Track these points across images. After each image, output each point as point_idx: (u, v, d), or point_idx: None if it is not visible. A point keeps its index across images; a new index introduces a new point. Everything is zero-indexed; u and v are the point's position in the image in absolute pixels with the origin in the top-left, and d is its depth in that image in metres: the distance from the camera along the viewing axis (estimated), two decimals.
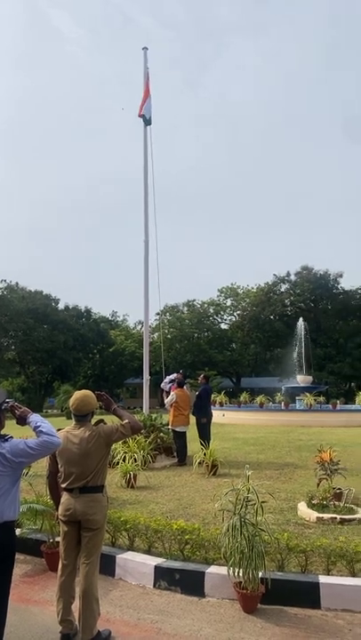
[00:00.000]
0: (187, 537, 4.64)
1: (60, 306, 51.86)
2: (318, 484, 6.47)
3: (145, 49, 12.42)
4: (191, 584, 4.32)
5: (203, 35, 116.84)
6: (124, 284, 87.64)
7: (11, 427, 3.22)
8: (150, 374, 12.06)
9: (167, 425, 10.54)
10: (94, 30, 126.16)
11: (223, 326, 55.37)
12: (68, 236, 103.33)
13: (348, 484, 6.71)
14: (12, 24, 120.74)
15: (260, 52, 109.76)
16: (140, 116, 12.00)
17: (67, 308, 52.69)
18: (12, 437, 2.96)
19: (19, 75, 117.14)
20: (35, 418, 3.00)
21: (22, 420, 3.00)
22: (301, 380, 26.54)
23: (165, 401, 10.70)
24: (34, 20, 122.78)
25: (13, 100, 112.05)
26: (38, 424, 2.94)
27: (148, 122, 12.04)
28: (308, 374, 27.90)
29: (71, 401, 3.77)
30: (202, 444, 9.36)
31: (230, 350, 52.91)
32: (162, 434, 10.47)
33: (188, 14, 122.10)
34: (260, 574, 3.95)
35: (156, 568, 4.50)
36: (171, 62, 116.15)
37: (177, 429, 10.13)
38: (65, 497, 3.66)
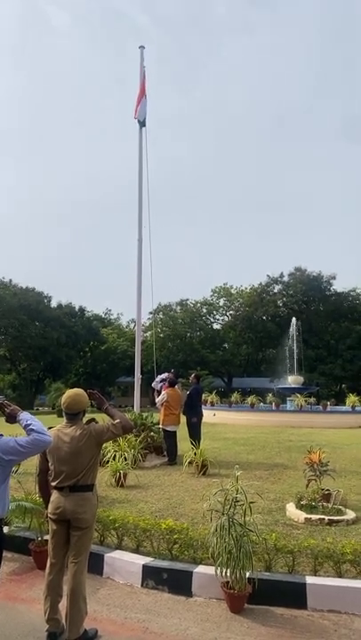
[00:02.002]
0: (175, 536, 4.66)
1: (54, 303, 51.79)
2: (307, 485, 6.51)
3: (142, 48, 12.39)
4: (179, 583, 4.33)
5: (197, 33, 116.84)
6: (118, 282, 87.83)
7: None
8: (142, 373, 12.05)
9: (158, 424, 10.54)
10: (89, 27, 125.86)
11: (216, 326, 55.51)
12: (64, 235, 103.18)
13: (337, 485, 6.76)
14: (11, 22, 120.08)
15: (255, 51, 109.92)
16: (135, 118, 11.99)
17: (60, 305, 52.54)
18: (1, 435, 2.95)
19: (18, 75, 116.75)
20: (25, 416, 2.99)
21: (12, 419, 2.99)
22: (293, 380, 26.63)
23: (156, 400, 10.70)
24: (32, 18, 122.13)
25: (13, 99, 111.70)
26: (29, 422, 2.94)
27: (142, 124, 12.04)
28: (299, 375, 28.00)
29: (63, 399, 3.76)
30: (192, 443, 9.37)
31: (222, 350, 53.01)
32: (152, 433, 10.47)
33: (183, 13, 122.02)
34: (248, 574, 3.97)
35: (144, 567, 4.51)
36: (164, 60, 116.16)
37: (167, 429, 10.13)
38: (55, 495, 3.65)
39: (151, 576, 4.46)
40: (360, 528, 5.53)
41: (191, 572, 4.33)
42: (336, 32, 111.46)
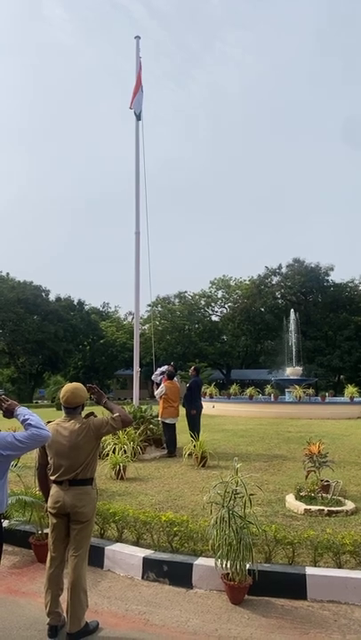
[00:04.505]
0: (175, 529, 4.67)
1: (52, 297, 51.70)
2: (306, 477, 6.53)
3: (137, 38, 12.26)
4: (179, 575, 4.34)
5: (193, 27, 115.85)
6: (117, 275, 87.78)
7: None
8: (141, 366, 12.05)
9: (157, 416, 10.56)
10: (84, 20, 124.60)
11: (214, 318, 55.50)
12: (64, 230, 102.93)
13: (336, 476, 6.78)
14: (7, 20, 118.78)
15: (252, 46, 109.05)
16: (131, 108, 11.90)
17: (59, 299, 52.45)
18: None
19: (17, 72, 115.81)
20: (22, 411, 2.97)
21: (9, 413, 2.97)
22: (291, 372, 26.64)
23: (155, 393, 10.71)
24: (28, 14, 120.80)
25: (13, 97, 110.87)
26: (26, 417, 2.92)
27: (138, 117, 11.95)
28: (297, 367, 28.02)
29: (61, 393, 3.76)
30: (191, 435, 9.39)
31: (221, 342, 53.05)
32: (152, 425, 10.48)
33: (178, 5, 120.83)
34: (248, 566, 3.98)
35: (145, 559, 4.52)
36: (160, 53, 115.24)
37: (166, 421, 10.15)
38: (54, 489, 3.65)
39: (152, 568, 4.47)
40: (359, 519, 5.54)
41: (191, 564, 4.35)
42: (336, 26, 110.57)
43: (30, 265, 79.96)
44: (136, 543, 4.88)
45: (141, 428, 9.76)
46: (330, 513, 5.68)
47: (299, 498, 6.09)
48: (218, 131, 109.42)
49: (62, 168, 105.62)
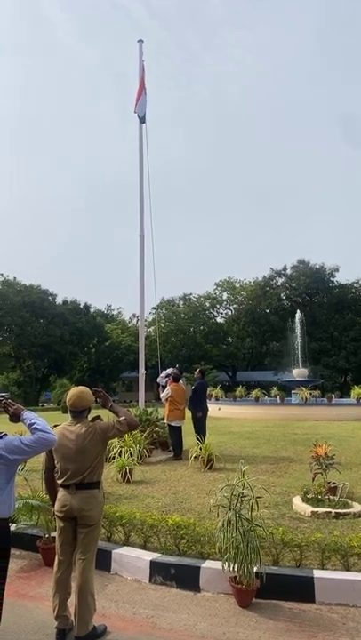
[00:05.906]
0: (182, 532, 4.66)
1: (59, 300, 51.83)
2: (313, 479, 6.50)
3: (140, 41, 12.27)
4: (187, 579, 4.34)
5: (193, 27, 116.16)
6: (118, 276, 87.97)
7: (3, 423, 3.21)
8: (146, 368, 12.03)
9: (163, 419, 10.55)
10: (84, 18, 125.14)
11: (219, 320, 55.46)
12: (63, 229, 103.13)
13: (343, 478, 6.75)
14: (9, 19, 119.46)
15: (252, 46, 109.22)
16: (135, 112, 11.92)
17: (65, 302, 52.58)
18: (6, 434, 2.94)
19: (17, 71, 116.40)
20: (29, 415, 2.98)
21: (16, 417, 2.98)
22: (297, 373, 26.54)
23: (161, 395, 10.71)
24: (29, 13, 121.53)
25: (12, 96, 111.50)
26: (33, 421, 2.93)
27: (142, 120, 11.96)
28: (303, 368, 27.92)
29: (68, 397, 3.77)
30: (197, 438, 9.38)
31: (226, 344, 52.99)
32: (158, 428, 10.48)
33: (178, 5, 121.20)
34: (255, 569, 3.97)
35: (152, 563, 4.52)
36: (160, 54, 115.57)
37: (172, 424, 10.15)
38: (61, 493, 3.66)
39: (159, 572, 4.47)
40: None
41: (199, 568, 4.34)
42: (336, 26, 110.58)
43: (30, 265, 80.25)
44: (143, 546, 4.88)
45: (147, 431, 9.76)
46: (337, 515, 5.66)
47: (306, 500, 6.06)
48: (218, 130, 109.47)
49: (62, 168, 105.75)
